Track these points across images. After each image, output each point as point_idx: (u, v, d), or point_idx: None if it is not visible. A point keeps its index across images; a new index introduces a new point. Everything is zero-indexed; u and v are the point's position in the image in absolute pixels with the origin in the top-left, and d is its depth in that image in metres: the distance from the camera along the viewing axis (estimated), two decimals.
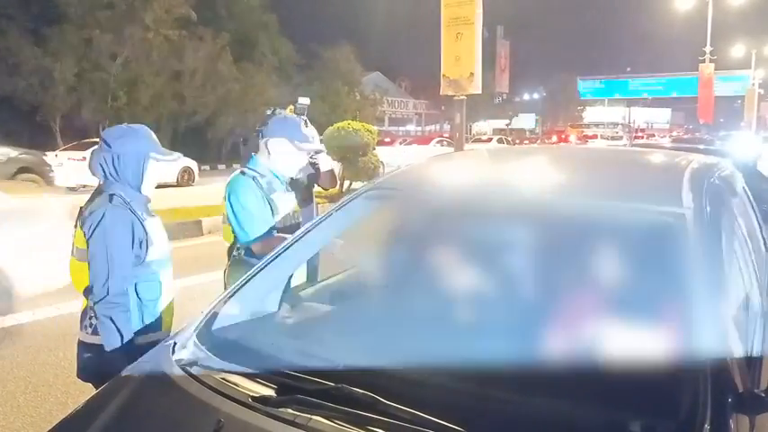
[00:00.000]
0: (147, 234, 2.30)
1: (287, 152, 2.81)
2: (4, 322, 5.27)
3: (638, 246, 1.82)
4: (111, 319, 2.17)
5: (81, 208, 2.34)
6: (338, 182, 3.57)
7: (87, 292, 2.28)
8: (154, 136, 2.40)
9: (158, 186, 2.53)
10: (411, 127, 55.75)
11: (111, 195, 2.26)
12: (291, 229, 2.73)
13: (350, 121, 15.94)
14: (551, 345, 1.66)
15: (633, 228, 1.83)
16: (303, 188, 3.39)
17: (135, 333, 2.22)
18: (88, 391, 2.14)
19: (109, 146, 2.31)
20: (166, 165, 2.42)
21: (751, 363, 1.59)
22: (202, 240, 9.31)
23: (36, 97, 21.50)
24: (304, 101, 3.45)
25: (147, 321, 2.30)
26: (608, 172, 2.40)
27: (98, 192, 2.33)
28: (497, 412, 1.42)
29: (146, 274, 2.30)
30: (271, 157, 2.80)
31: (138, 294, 2.27)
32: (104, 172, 2.31)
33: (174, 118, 25.84)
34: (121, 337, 2.17)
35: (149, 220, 2.35)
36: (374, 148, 15.67)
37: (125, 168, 2.29)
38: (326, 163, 3.45)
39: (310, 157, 3.19)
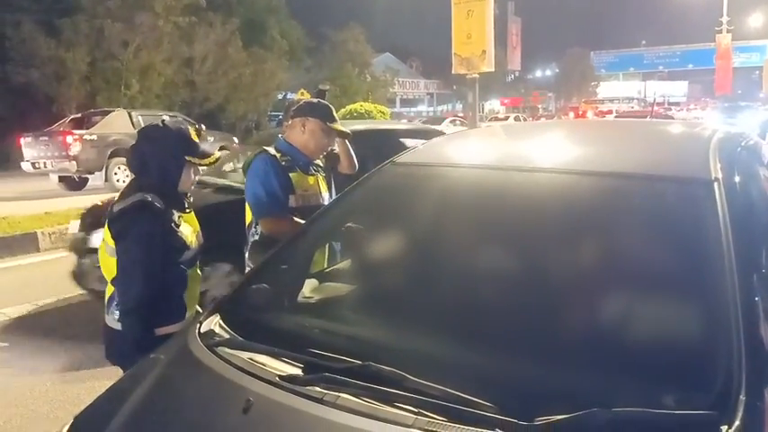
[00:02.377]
0: (181, 241, 2.25)
1: (320, 132, 2.88)
2: (27, 309, 5.35)
3: (668, 215, 1.79)
4: (133, 329, 2.14)
5: (112, 205, 2.28)
6: (356, 166, 3.65)
7: (115, 281, 2.25)
8: (193, 135, 2.32)
9: None
10: (423, 107, 55.58)
11: (144, 202, 2.17)
12: (313, 209, 2.75)
13: (362, 103, 15.92)
14: (582, 318, 1.64)
15: (662, 197, 1.80)
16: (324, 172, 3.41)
17: (159, 322, 2.18)
18: (115, 375, 2.16)
19: (145, 145, 2.27)
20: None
21: None
22: None
23: (51, 87, 21.62)
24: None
25: (172, 311, 2.27)
26: (633, 143, 2.36)
27: (132, 188, 2.26)
28: (527, 387, 1.41)
29: (174, 273, 2.26)
30: (304, 137, 2.85)
31: (164, 289, 2.21)
32: (140, 170, 2.27)
33: (186, 105, 25.88)
34: (140, 345, 2.08)
35: (183, 224, 2.29)
36: None
37: (160, 170, 2.24)
38: (345, 147, 3.47)
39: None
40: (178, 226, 2.26)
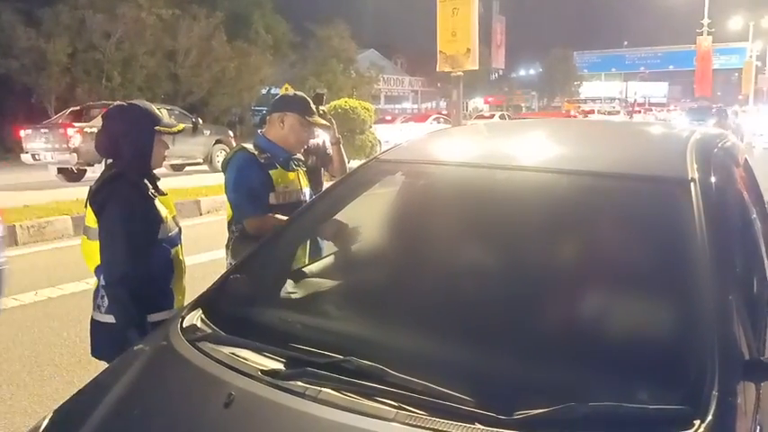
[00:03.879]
0: (157, 213, 2.29)
1: (299, 127, 2.84)
2: (6, 303, 5.28)
3: (645, 214, 1.82)
4: (121, 301, 2.16)
5: (90, 187, 2.32)
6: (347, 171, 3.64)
7: (99, 271, 2.27)
8: (155, 109, 2.37)
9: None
10: (407, 104, 55.54)
11: (120, 175, 2.24)
12: (294, 206, 2.75)
13: (347, 99, 15.89)
14: (559, 315, 1.67)
15: (640, 196, 1.83)
16: (312, 173, 3.39)
17: (147, 311, 2.20)
18: (94, 369, 2.15)
19: (115, 124, 2.29)
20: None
21: (757, 331, 1.61)
22: (201, 220, 9.31)
23: (30, 78, 21.34)
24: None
25: (159, 299, 2.29)
26: (612, 142, 2.40)
27: (107, 170, 2.31)
28: (506, 382, 1.43)
29: (157, 253, 2.29)
30: (283, 132, 2.82)
31: (149, 272, 2.24)
32: (112, 152, 2.29)
33: (169, 98, 25.65)
34: (131, 317, 2.15)
35: (159, 197, 2.34)
36: (371, 126, 15.63)
37: (130, 147, 2.27)
38: (338, 152, 3.47)
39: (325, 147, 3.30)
40: (154, 197, 2.30)
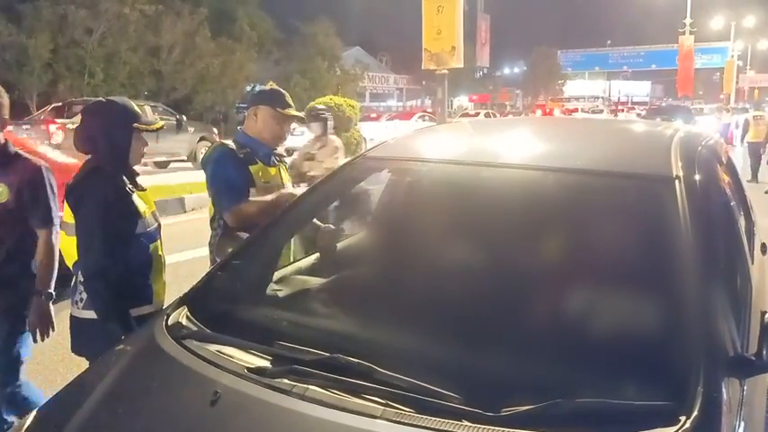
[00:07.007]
0: (134, 207, 2.29)
1: (271, 120, 2.79)
2: None
3: (631, 211, 1.84)
4: (100, 294, 2.16)
5: (67, 183, 2.31)
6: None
7: (77, 266, 2.27)
8: (134, 106, 2.37)
9: None
10: (392, 102, 55.54)
11: (96, 170, 2.25)
12: None
13: (332, 97, 15.85)
14: (545, 312, 1.67)
15: (626, 194, 1.85)
16: (294, 174, 3.35)
17: (126, 306, 2.20)
18: (76, 368, 2.13)
19: (92, 120, 2.29)
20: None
21: (741, 327, 1.62)
22: (186, 218, 9.25)
23: (11, 74, 21.04)
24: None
25: (139, 294, 2.29)
26: (597, 140, 2.41)
27: (84, 166, 2.31)
28: (493, 379, 1.43)
29: (135, 247, 2.29)
30: (257, 126, 2.79)
31: (128, 267, 2.24)
32: (90, 148, 2.29)
33: (152, 95, 25.42)
34: (111, 311, 2.15)
35: (138, 192, 2.34)
36: (356, 124, 15.60)
37: (108, 143, 2.27)
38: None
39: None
40: (132, 192, 2.30)
